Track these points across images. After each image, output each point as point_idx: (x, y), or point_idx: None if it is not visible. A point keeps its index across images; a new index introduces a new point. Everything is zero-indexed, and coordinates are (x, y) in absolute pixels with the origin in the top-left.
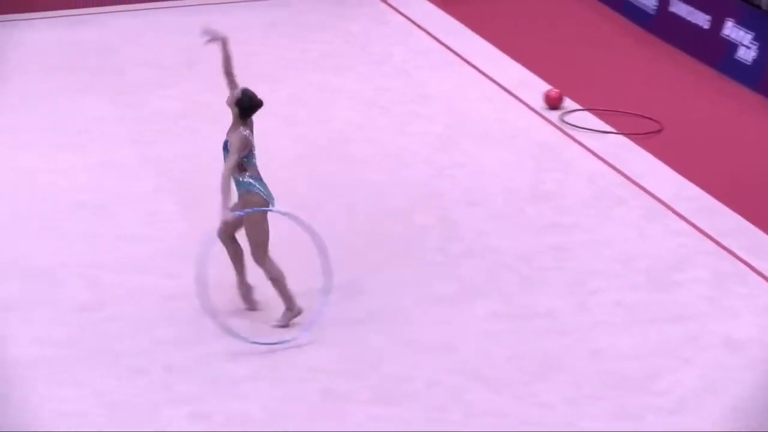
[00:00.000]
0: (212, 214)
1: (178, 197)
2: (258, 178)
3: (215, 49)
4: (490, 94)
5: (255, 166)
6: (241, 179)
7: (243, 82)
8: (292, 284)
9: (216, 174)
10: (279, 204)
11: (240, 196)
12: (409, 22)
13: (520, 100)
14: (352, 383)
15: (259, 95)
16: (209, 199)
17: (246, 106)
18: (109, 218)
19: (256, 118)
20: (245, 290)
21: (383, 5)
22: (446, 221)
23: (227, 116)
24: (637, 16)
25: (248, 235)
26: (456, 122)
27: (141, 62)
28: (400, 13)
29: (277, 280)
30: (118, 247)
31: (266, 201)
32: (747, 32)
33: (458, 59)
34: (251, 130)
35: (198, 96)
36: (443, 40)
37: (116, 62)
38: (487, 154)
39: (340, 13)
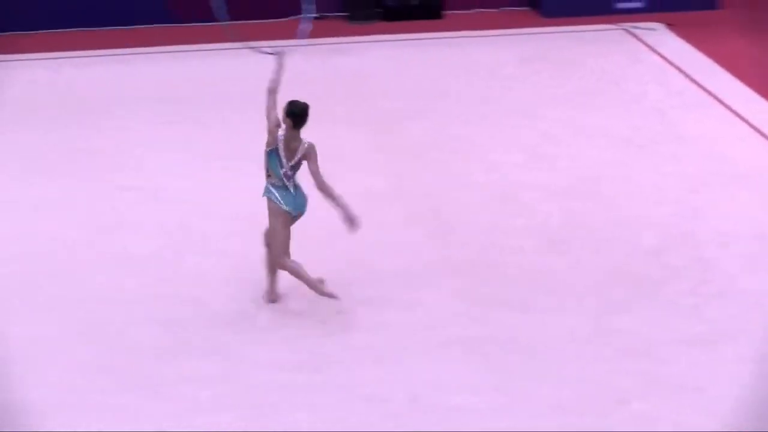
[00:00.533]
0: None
1: (427, 228)
2: (281, 186)
3: (464, 83)
4: (743, 135)
5: (279, 175)
6: (265, 183)
7: (496, 115)
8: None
9: (463, 207)
10: (526, 238)
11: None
12: (663, 61)
13: None
14: (595, 421)
15: (511, 130)
16: (458, 231)
17: (297, 112)
18: (362, 247)
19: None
20: (272, 298)
21: (638, 43)
22: (697, 262)
23: (476, 149)
24: None
25: (270, 236)
26: (709, 163)
27: (391, 92)
28: (655, 51)
29: (296, 274)
30: (375, 276)
31: (279, 208)
32: None
33: (712, 99)
34: (293, 146)
35: (450, 129)
36: (697, 80)
37: (368, 92)
38: (740, 196)
39: (593, 50)
